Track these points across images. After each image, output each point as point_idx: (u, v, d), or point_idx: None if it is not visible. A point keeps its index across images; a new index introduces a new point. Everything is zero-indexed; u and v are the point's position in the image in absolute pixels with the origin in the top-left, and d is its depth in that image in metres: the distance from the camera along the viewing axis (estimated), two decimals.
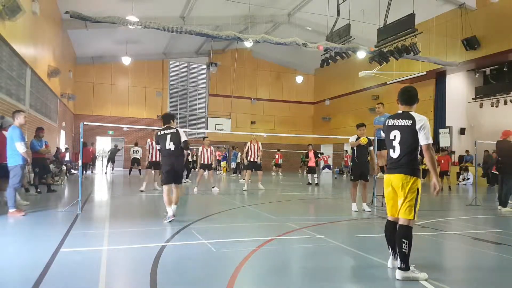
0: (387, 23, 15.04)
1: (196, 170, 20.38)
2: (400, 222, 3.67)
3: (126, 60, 23.82)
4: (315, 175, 15.63)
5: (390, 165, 3.84)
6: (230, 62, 28.50)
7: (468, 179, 18.51)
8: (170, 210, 6.25)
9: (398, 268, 3.55)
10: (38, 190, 10.05)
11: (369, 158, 8.32)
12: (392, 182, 3.77)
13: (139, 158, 20.92)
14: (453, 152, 21.27)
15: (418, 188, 3.70)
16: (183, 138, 6.38)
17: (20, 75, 12.28)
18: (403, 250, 3.50)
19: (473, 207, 9.51)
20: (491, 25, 17.14)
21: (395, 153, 3.76)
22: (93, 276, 3.44)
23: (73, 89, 24.20)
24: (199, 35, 15.04)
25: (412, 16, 14.03)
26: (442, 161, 14.97)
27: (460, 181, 19.20)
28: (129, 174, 20.91)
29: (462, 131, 21.59)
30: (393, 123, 3.80)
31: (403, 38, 14.76)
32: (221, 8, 18.65)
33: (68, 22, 18.33)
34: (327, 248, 4.79)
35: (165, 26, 13.65)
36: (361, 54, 17.23)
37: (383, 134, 4.12)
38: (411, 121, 3.64)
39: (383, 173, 8.86)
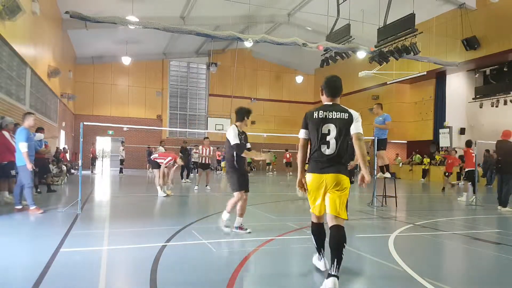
0: (387, 23, 15.04)
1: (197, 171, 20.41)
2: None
3: (126, 60, 23.82)
4: None
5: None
6: (230, 62, 28.48)
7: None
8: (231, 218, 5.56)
9: (331, 274, 3.23)
10: (38, 190, 10.05)
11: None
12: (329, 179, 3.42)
13: (123, 158, 21.45)
14: None
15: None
16: (231, 141, 5.35)
17: (20, 75, 12.28)
18: (341, 252, 3.26)
19: (473, 207, 9.51)
20: (491, 25, 17.14)
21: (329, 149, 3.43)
22: (93, 276, 3.44)
23: (73, 89, 24.20)
24: (199, 35, 15.05)
25: (412, 16, 14.03)
26: (450, 161, 13.92)
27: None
28: (120, 172, 21.39)
29: (462, 131, 21.59)
30: (325, 115, 3.46)
31: (403, 38, 14.76)
32: (221, 8, 18.65)
33: (68, 22, 18.33)
34: (327, 248, 4.78)
35: (165, 26, 13.66)
36: (361, 54, 17.23)
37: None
38: (347, 114, 3.44)
39: (383, 173, 8.88)
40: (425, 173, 21.54)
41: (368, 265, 4.14)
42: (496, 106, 19.90)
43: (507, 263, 4.38)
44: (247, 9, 17.75)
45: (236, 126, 5.41)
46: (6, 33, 9.99)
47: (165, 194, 10.15)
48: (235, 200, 5.35)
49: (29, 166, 6.94)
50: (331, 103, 3.57)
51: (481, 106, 20.97)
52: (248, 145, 5.42)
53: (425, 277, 3.58)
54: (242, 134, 5.38)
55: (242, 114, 5.47)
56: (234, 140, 5.24)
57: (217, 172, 24.98)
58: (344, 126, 3.40)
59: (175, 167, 10.89)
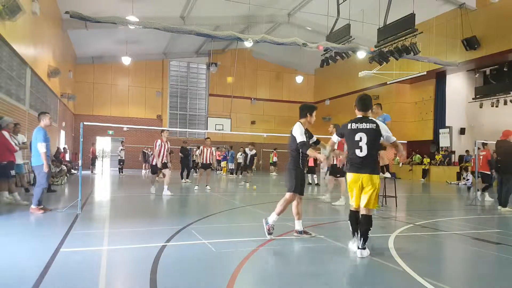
0: (387, 23, 15.04)
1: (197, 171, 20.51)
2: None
3: (126, 60, 23.82)
4: (315, 175, 15.62)
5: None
6: (230, 62, 28.51)
7: (468, 179, 18.49)
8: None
9: (359, 248, 4.33)
10: None
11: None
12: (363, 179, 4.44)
13: (123, 158, 21.85)
14: (453, 152, 21.27)
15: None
16: (298, 138, 5.04)
17: (20, 75, 12.28)
18: (367, 233, 4.32)
19: (473, 207, 9.50)
20: (491, 25, 17.14)
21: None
22: (93, 276, 3.44)
23: (73, 89, 24.21)
24: (199, 35, 15.05)
25: (412, 16, 14.03)
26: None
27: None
28: (121, 172, 21.61)
29: (462, 131, 21.60)
30: (357, 126, 4.42)
31: (403, 38, 14.76)
32: (221, 8, 18.65)
33: (68, 22, 18.33)
34: (327, 248, 4.79)
35: (165, 26, 13.66)
36: (361, 54, 17.23)
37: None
38: (375, 125, 4.39)
39: (383, 173, 8.87)
40: (425, 173, 21.54)
41: (368, 265, 4.14)
42: (496, 106, 19.90)
43: (507, 263, 4.38)
44: (247, 9, 17.76)
45: (301, 123, 5.18)
46: (6, 33, 9.99)
47: (172, 194, 10.27)
48: (289, 200, 5.13)
49: (46, 168, 6.91)
50: (361, 116, 4.50)
51: (481, 106, 20.98)
52: (315, 138, 5.30)
53: (425, 277, 3.58)
54: (306, 133, 5.15)
55: (305, 111, 5.25)
56: (300, 137, 5.00)
57: (217, 172, 24.98)
58: (373, 134, 4.36)
59: (167, 148, 10.54)
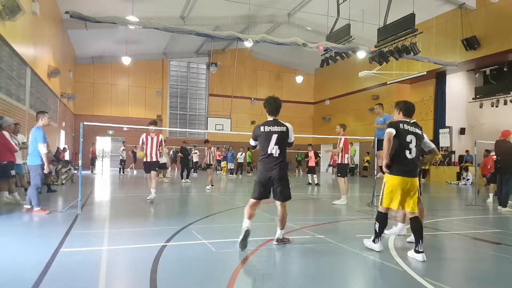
0: (387, 23, 15.04)
1: (196, 173, 20.54)
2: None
3: (126, 60, 23.83)
4: (315, 175, 15.62)
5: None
6: (230, 62, 28.51)
7: (468, 179, 18.50)
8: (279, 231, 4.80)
9: (420, 251, 4.22)
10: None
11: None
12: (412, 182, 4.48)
13: (124, 158, 21.92)
14: (453, 152, 21.26)
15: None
16: (292, 138, 4.80)
17: (20, 75, 12.28)
18: (423, 235, 4.28)
19: (473, 207, 9.50)
20: (491, 25, 17.14)
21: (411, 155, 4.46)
22: (93, 276, 3.44)
23: (73, 89, 24.21)
24: (199, 35, 15.06)
25: (412, 16, 14.03)
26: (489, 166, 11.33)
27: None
28: (122, 172, 21.67)
29: (462, 131, 21.59)
30: (408, 129, 4.49)
31: (403, 38, 14.76)
32: (221, 8, 18.66)
33: (68, 22, 18.34)
34: (327, 248, 4.79)
35: (165, 26, 13.67)
36: (361, 54, 17.23)
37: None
38: (421, 131, 4.60)
39: (383, 173, 8.87)
40: (425, 173, 21.51)
41: (368, 265, 4.14)
42: (496, 106, 19.90)
43: (507, 263, 4.38)
44: (247, 9, 17.76)
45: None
46: (6, 33, 9.99)
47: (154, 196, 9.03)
48: (285, 209, 4.85)
49: (47, 170, 6.89)
50: (408, 120, 4.63)
51: (481, 106, 20.97)
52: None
53: (425, 277, 3.58)
54: None
55: (279, 108, 4.79)
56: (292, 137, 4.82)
57: (217, 172, 24.98)
58: (419, 138, 4.55)
59: (158, 142, 8.96)
